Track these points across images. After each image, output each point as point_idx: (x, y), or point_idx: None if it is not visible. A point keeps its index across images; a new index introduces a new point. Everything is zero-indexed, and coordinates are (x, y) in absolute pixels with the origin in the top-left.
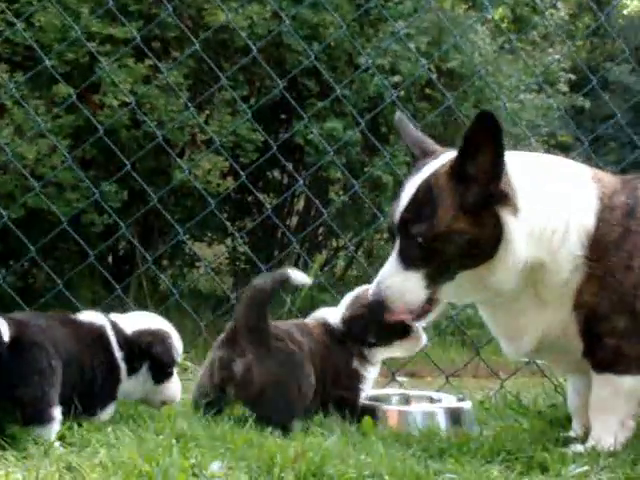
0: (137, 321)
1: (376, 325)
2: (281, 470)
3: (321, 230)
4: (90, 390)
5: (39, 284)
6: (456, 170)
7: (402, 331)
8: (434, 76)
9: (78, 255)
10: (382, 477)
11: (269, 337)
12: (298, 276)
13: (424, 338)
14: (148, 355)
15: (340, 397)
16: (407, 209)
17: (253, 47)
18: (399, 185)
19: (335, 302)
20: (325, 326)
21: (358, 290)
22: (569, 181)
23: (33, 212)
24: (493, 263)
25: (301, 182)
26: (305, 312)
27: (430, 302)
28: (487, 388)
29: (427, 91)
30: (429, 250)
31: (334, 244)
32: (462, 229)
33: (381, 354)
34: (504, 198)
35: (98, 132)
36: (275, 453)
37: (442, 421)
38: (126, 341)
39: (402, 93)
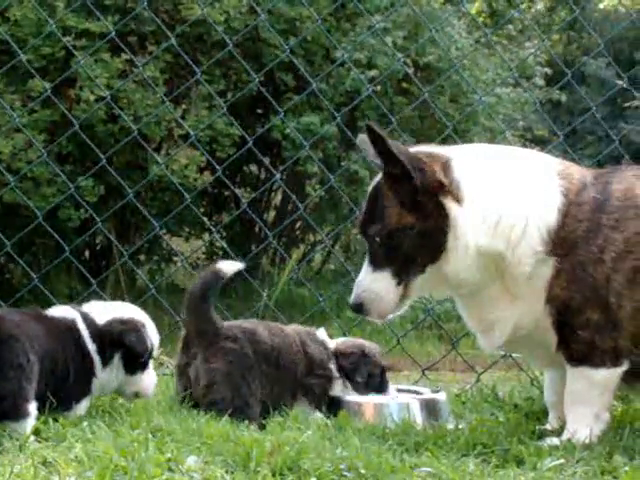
0: (110, 310)
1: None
2: (257, 464)
3: (298, 224)
4: (64, 385)
5: (16, 279)
6: (386, 174)
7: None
8: (411, 70)
9: (55, 250)
10: (358, 471)
11: (218, 338)
12: (227, 266)
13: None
14: (120, 344)
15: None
16: (364, 214)
17: (229, 41)
18: None
19: (313, 296)
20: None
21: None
22: (532, 177)
23: (9, 207)
24: (447, 253)
25: (278, 176)
26: (283, 306)
27: (402, 298)
28: (464, 382)
29: (404, 85)
30: (388, 248)
31: (311, 238)
32: (409, 223)
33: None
34: (442, 188)
35: (74, 127)
36: (251, 447)
37: (417, 413)
38: (98, 332)
39: (379, 87)
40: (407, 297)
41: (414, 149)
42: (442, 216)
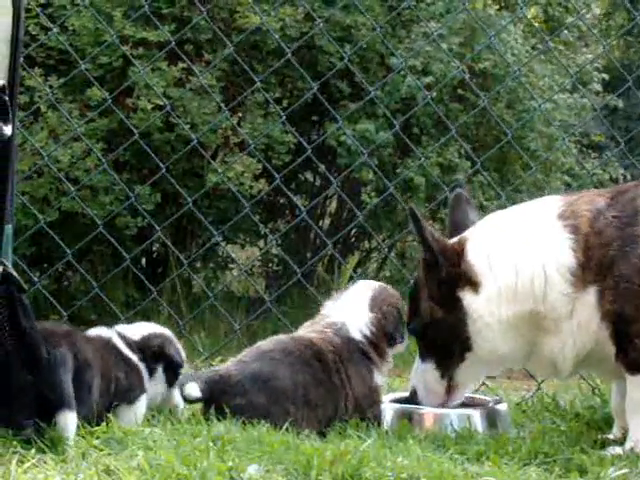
0: (139, 328)
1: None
2: (318, 473)
3: (353, 232)
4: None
5: (73, 287)
6: (424, 260)
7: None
8: (467, 77)
9: (111, 258)
10: (419, 479)
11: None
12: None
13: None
14: (161, 356)
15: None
16: (408, 307)
17: (287, 49)
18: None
19: None
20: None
21: (369, 285)
22: (534, 232)
23: (67, 215)
24: (475, 340)
25: (335, 184)
26: None
27: (449, 389)
28: (521, 389)
29: (459, 92)
30: (427, 342)
31: (366, 245)
32: (439, 317)
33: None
34: (462, 279)
35: (131, 135)
36: (312, 456)
37: (478, 423)
38: (137, 345)
39: (434, 94)
40: (456, 388)
41: (455, 238)
42: (458, 307)
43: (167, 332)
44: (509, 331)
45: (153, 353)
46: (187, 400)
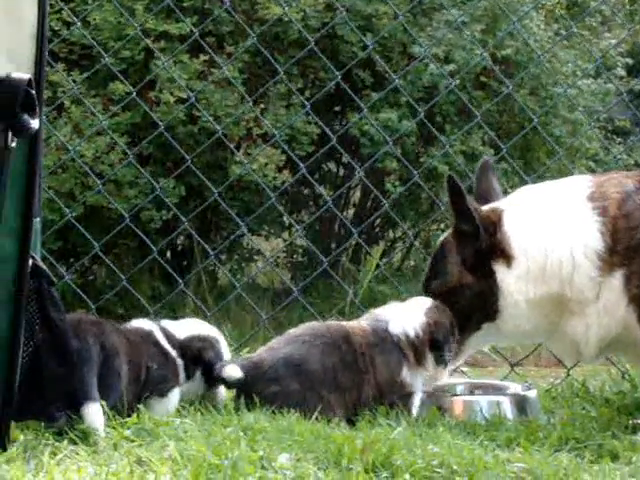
0: (186, 327)
1: (453, 341)
2: (349, 461)
3: (377, 222)
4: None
5: (99, 280)
6: (456, 230)
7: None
8: (489, 64)
9: (137, 251)
10: (450, 467)
11: None
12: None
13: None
14: (200, 361)
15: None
16: (429, 268)
17: (310, 39)
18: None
19: (394, 293)
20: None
21: (423, 301)
22: (563, 211)
23: (92, 210)
24: (501, 314)
25: (361, 173)
26: (364, 303)
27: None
28: (549, 376)
29: (482, 79)
30: (446, 304)
31: (391, 235)
32: (468, 282)
33: (432, 369)
34: (496, 250)
35: (154, 129)
36: (342, 444)
37: (508, 410)
38: (179, 345)
39: (457, 82)
40: (461, 352)
41: (486, 207)
42: (492, 279)
43: (213, 334)
44: (535, 310)
45: (193, 356)
46: (228, 383)
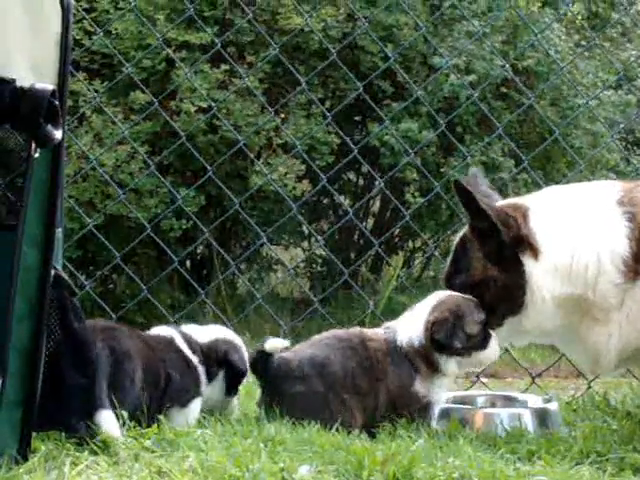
0: (208, 331)
1: (461, 331)
2: (370, 473)
3: (397, 232)
4: (168, 389)
5: (119, 289)
6: (473, 227)
7: (481, 342)
8: (510, 75)
9: (156, 260)
10: (471, 479)
11: None
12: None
13: (497, 352)
14: (225, 363)
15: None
16: (450, 263)
17: (332, 50)
18: None
19: (414, 304)
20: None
21: (439, 295)
22: (593, 215)
23: (112, 219)
24: (526, 308)
25: (381, 184)
26: (384, 314)
27: None
28: (569, 388)
29: (502, 90)
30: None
31: (410, 245)
32: (493, 276)
33: (454, 365)
34: (523, 243)
35: (175, 138)
36: (363, 456)
37: (529, 422)
38: (201, 349)
39: (477, 92)
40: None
41: (500, 203)
42: (520, 271)
43: (236, 340)
44: (559, 309)
45: (217, 358)
46: (269, 356)
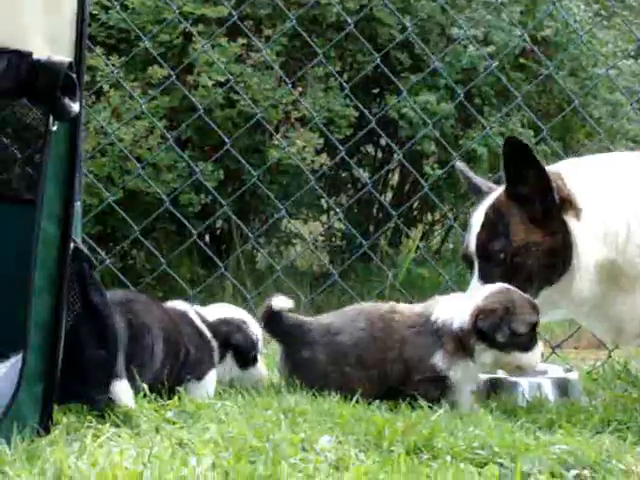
0: (213, 311)
1: (507, 327)
2: (390, 443)
3: (416, 205)
4: (187, 361)
5: (139, 264)
6: (511, 193)
7: (526, 344)
8: (529, 45)
9: (175, 235)
10: (492, 449)
11: None
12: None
13: (539, 359)
14: (229, 344)
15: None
16: (482, 232)
17: (350, 21)
18: (494, 157)
19: (433, 276)
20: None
21: (499, 286)
22: (627, 181)
23: (131, 194)
24: (570, 273)
25: (400, 156)
26: (403, 287)
27: None
28: (589, 358)
29: (521, 60)
30: (511, 266)
31: (429, 218)
32: (537, 240)
33: (490, 358)
34: (566, 203)
35: (193, 112)
36: (383, 427)
37: (549, 392)
38: (210, 327)
39: (496, 63)
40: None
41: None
42: (566, 233)
43: (239, 317)
44: (596, 275)
45: (222, 339)
46: (275, 317)
